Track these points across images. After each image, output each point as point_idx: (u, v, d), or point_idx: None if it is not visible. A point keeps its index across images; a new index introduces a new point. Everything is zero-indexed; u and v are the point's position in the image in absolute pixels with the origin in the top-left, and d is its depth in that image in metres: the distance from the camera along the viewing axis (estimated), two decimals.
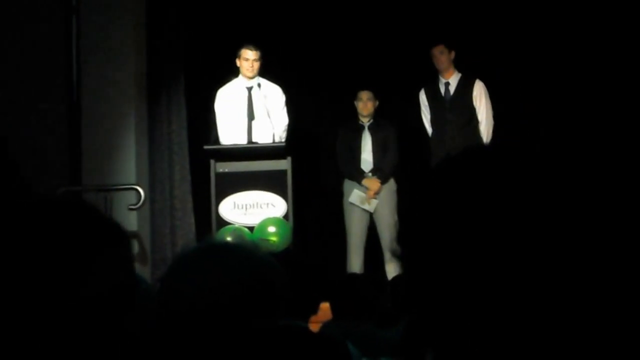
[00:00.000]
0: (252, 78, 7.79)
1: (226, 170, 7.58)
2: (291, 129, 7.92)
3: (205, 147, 7.69)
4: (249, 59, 7.76)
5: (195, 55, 8.61)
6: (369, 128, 8.26)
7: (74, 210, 1.34)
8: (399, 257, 1.15)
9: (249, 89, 7.78)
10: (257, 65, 7.78)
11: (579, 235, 1.07)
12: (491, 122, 8.04)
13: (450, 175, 1.13)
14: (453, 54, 8.13)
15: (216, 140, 7.81)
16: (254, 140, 7.62)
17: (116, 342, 1.29)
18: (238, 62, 7.82)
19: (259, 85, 7.76)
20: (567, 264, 1.06)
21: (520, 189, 1.08)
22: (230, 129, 7.70)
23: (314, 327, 3.88)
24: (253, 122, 7.64)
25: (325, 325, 4.47)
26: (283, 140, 7.72)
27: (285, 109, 7.85)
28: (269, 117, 7.70)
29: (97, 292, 1.26)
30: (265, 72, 7.92)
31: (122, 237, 1.37)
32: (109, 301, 1.27)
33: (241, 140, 7.64)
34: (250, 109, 7.70)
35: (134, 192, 7.53)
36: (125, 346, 1.30)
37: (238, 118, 7.70)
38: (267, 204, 7.52)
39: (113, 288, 1.29)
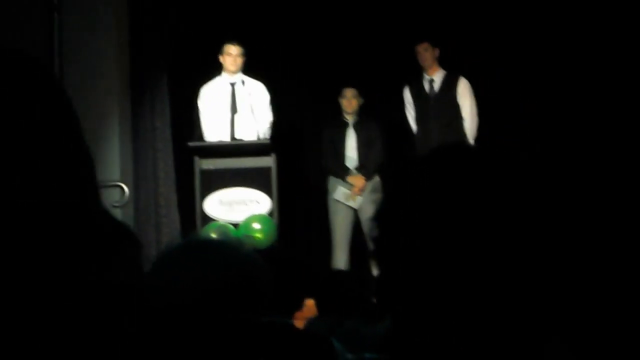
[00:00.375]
0: (235, 73, 7.81)
1: (210, 167, 7.57)
2: (276, 126, 7.92)
3: (190, 144, 7.68)
4: (232, 54, 7.80)
5: (179, 53, 8.59)
6: (354, 125, 8.27)
7: (82, 210, 1.34)
8: (374, 255, 1.15)
9: (232, 85, 7.79)
10: (240, 60, 7.81)
11: (551, 237, 1.08)
12: (476, 119, 8.05)
13: (422, 176, 1.13)
14: (437, 51, 8.15)
15: (200, 137, 7.81)
16: (236, 135, 7.62)
17: (117, 341, 1.29)
18: (222, 59, 7.84)
19: (242, 82, 7.78)
20: (536, 261, 1.07)
21: (492, 189, 1.08)
22: (214, 126, 7.70)
23: (299, 323, 3.88)
24: (236, 117, 7.64)
25: (310, 322, 4.48)
26: (267, 137, 7.73)
27: (270, 107, 7.86)
28: (253, 113, 7.70)
29: (100, 292, 1.26)
30: (250, 69, 7.92)
31: (129, 239, 1.37)
32: (112, 301, 1.27)
33: (224, 135, 7.64)
34: (234, 104, 7.71)
35: (118, 189, 7.52)
36: (125, 345, 1.30)
37: (221, 113, 7.70)
38: (252, 200, 7.51)
39: (115, 289, 1.29)
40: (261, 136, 7.64)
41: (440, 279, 1.07)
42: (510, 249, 1.05)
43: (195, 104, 7.95)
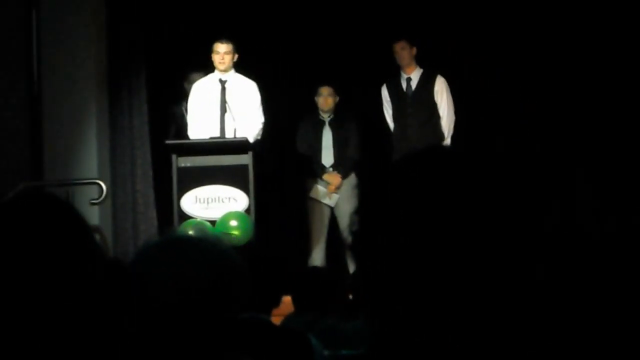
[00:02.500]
0: (225, 71, 7.77)
1: (188, 164, 7.55)
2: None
3: (167, 142, 7.67)
4: (219, 52, 7.73)
5: (157, 50, 8.57)
6: (330, 123, 8.29)
7: (34, 203, 1.34)
8: (352, 250, 1.17)
9: (222, 82, 7.76)
10: (228, 58, 7.74)
11: (528, 235, 1.10)
12: (452, 117, 8.08)
13: (404, 175, 1.15)
14: (415, 50, 8.17)
15: (177, 135, 7.80)
16: (226, 133, 7.61)
17: (112, 339, 1.29)
18: (212, 57, 7.80)
19: (234, 80, 7.76)
20: (514, 257, 1.09)
21: (473, 191, 1.11)
22: (201, 123, 7.68)
23: (276, 320, 3.90)
24: (226, 115, 7.63)
25: (288, 319, 4.50)
26: (258, 139, 7.73)
27: (261, 108, 7.82)
28: (243, 112, 7.68)
29: (64, 284, 1.27)
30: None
31: (80, 227, 1.36)
32: (76, 293, 1.28)
33: (214, 133, 7.63)
34: (223, 102, 7.68)
35: (95, 186, 7.50)
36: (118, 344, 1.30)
37: (210, 111, 7.68)
38: (229, 198, 7.50)
39: (76, 280, 1.29)
40: (252, 139, 7.60)
41: (417, 276, 1.08)
42: (488, 247, 1.07)
43: (172, 102, 7.92)
